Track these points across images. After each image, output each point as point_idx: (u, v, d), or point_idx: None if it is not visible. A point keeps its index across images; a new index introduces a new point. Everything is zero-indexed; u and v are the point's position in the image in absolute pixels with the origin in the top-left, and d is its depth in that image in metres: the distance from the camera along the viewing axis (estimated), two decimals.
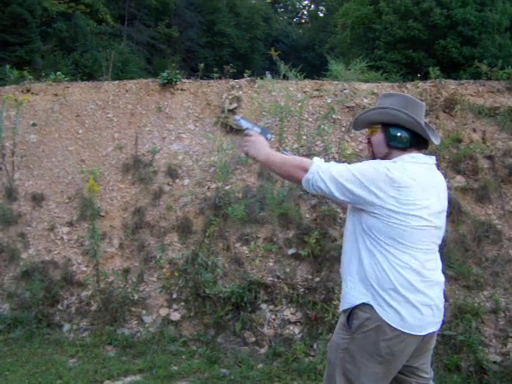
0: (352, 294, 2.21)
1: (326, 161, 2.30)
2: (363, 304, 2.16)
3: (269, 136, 2.49)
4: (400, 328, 2.11)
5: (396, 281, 2.12)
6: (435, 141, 2.31)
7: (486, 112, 5.63)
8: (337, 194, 2.17)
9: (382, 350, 2.12)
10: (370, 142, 2.35)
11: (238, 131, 6.04)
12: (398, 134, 2.22)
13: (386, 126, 2.26)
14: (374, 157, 2.33)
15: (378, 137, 2.29)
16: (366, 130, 2.41)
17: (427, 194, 2.16)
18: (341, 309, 2.30)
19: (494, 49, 18.21)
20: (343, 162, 5.40)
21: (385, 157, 2.27)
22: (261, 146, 2.39)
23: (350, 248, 2.27)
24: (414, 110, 2.23)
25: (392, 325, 2.11)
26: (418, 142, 2.25)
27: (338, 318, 2.42)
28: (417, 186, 2.12)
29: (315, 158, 2.27)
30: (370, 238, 2.17)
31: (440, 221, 2.24)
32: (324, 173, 2.18)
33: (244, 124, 2.56)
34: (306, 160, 2.29)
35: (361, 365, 2.14)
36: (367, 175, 2.12)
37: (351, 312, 2.20)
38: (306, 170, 2.22)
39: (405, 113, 2.19)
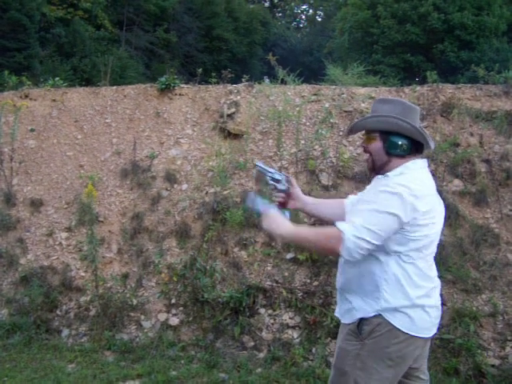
0: (364, 308, 2.19)
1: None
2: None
3: (286, 214, 2.42)
4: (411, 332, 2.13)
5: (410, 288, 2.13)
6: (432, 145, 2.32)
7: (484, 116, 5.65)
8: (380, 242, 2.07)
9: (392, 354, 2.13)
10: (367, 151, 2.30)
11: (236, 136, 6.06)
12: (400, 143, 2.19)
13: (385, 134, 2.22)
14: (373, 165, 2.28)
15: (377, 145, 2.24)
16: (361, 135, 2.40)
17: (435, 197, 2.20)
18: (348, 321, 2.27)
19: (492, 53, 18.28)
20: (341, 165, 5.44)
21: (384, 164, 2.24)
22: (281, 221, 2.24)
23: (359, 268, 2.20)
24: (412, 116, 2.21)
25: (403, 330, 2.12)
26: (416, 148, 2.25)
27: (336, 322, 2.42)
28: (429, 193, 2.15)
29: (338, 224, 2.10)
30: (386, 254, 2.14)
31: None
32: (360, 232, 2.04)
33: (265, 170, 2.56)
34: (334, 230, 2.09)
35: (372, 370, 2.15)
36: (394, 205, 2.06)
37: (361, 319, 2.20)
38: (339, 240, 2.05)
39: (406, 121, 2.16)
